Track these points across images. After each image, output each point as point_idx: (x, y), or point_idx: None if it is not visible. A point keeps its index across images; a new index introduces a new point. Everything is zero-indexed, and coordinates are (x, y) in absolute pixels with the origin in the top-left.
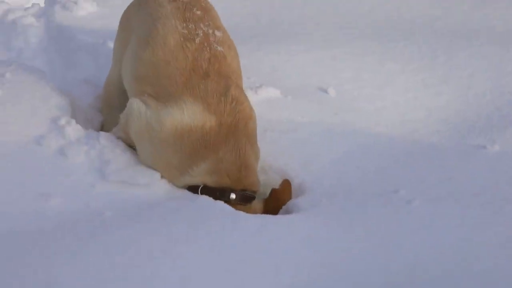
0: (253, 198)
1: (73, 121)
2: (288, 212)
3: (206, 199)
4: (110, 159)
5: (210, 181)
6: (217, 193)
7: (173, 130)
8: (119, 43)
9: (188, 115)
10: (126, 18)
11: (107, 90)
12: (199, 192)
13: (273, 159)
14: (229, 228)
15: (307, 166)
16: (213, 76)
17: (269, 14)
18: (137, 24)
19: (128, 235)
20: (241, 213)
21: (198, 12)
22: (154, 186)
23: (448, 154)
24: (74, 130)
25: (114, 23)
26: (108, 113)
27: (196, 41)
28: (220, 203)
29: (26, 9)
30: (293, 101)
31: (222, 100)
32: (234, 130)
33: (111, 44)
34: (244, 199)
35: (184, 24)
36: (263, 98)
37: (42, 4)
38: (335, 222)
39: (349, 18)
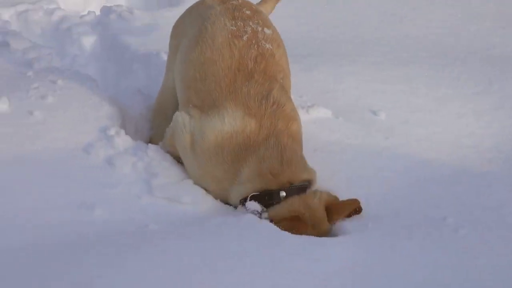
0: (306, 187)
1: (123, 132)
2: (333, 234)
3: (251, 217)
4: (157, 172)
5: (256, 185)
6: (266, 197)
7: (214, 140)
8: (170, 52)
9: (228, 122)
10: (177, 25)
11: (159, 101)
12: (249, 199)
13: (321, 180)
14: (273, 246)
15: (354, 188)
16: (257, 76)
17: (323, 34)
18: (188, 28)
19: (173, 249)
20: (285, 233)
21: (248, 12)
22: (199, 202)
23: (498, 183)
24: (123, 140)
25: (168, 35)
26: (158, 125)
27: (244, 38)
28: (265, 222)
29: (81, 16)
30: (344, 123)
31: (263, 103)
32: (274, 130)
33: (164, 56)
34: (297, 191)
35: (233, 22)
36: (314, 118)
37: (98, 12)
38: (380, 248)
39: (403, 41)
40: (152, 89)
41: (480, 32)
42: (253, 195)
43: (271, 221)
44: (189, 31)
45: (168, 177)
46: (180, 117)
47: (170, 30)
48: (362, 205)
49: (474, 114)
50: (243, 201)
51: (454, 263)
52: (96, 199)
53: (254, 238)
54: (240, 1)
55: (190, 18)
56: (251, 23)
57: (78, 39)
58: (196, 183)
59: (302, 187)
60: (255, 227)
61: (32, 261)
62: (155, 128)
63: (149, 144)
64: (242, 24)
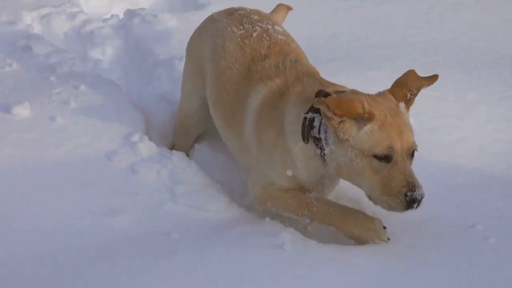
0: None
1: (146, 138)
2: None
3: (273, 225)
4: (181, 179)
5: (300, 111)
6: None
7: (257, 113)
8: (187, 73)
9: (257, 98)
10: (191, 46)
11: (180, 120)
12: (302, 125)
13: (347, 189)
14: (295, 256)
15: None
16: (271, 56)
17: (349, 38)
18: (204, 50)
19: (194, 258)
20: (310, 241)
21: (256, 17)
22: (223, 210)
23: None
24: (146, 147)
25: None
26: (179, 139)
27: (254, 35)
28: (289, 229)
29: (104, 20)
30: None
31: (280, 66)
32: (301, 73)
33: None
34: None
35: (241, 27)
36: None
37: (122, 16)
38: (407, 258)
39: (431, 45)
40: (175, 95)
41: (508, 38)
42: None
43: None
44: (206, 54)
45: (192, 185)
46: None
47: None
48: (388, 212)
49: (503, 120)
50: (304, 119)
51: (482, 272)
52: (119, 206)
53: (276, 249)
54: (248, 10)
55: (202, 41)
56: (259, 24)
57: (101, 43)
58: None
59: (342, 91)
60: (278, 236)
61: (54, 268)
62: (175, 140)
63: (173, 151)
64: (250, 26)
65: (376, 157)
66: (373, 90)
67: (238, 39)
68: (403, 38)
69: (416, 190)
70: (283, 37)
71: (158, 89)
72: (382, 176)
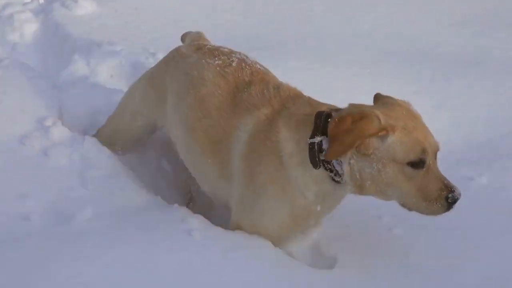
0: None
1: (59, 122)
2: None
3: (182, 211)
4: (92, 164)
5: (299, 138)
6: (317, 121)
7: (248, 148)
8: (139, 94)
9: (246, 131)
10: (156, 76)
11: (109, 129)
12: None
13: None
14: (208, 242)
15: None
16: (255, 83)
17: (269, 29)
18: (168, 83)
19: (102, 242)
20: (219, 228)
21: (225, 49)
22: (133, 197)
23: None
24: (59, 131)
25: (112, 24)
26: (105, 142)
27: (234, 64)
28: (198, 216)
29: (25, 4)
30: None
31: (265, 93)
32: (286, 98)
33: (107, 47)
34: (338, 109)
35: (215, 58)
36: None
37: (42, 0)
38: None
39: (348, 40)
40: (91, 80)
41: (425, 31)
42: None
43: (337, 119)
44: (172, 85)
45: (104, 170)
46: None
47: (115, 19)
48: None
49: None
50: (311, 145)
51: (387, 264)
52: (30, 190)
53: (184, 234)
54: (215, 46)
55: (169, 72)
56: (233, 55)
57: (20, 27)
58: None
59: (338, 108)
60: (185, 221)
61: None
62: (99, 137)
63: (86, 136)
64: (225, 57)
65: (411, 164)
66: (291, 81)
67: (218, 68)
68: (319, 32)
69: (456, 191)
70: (261, 67)
71: (75, 74)
72: (417, 182)
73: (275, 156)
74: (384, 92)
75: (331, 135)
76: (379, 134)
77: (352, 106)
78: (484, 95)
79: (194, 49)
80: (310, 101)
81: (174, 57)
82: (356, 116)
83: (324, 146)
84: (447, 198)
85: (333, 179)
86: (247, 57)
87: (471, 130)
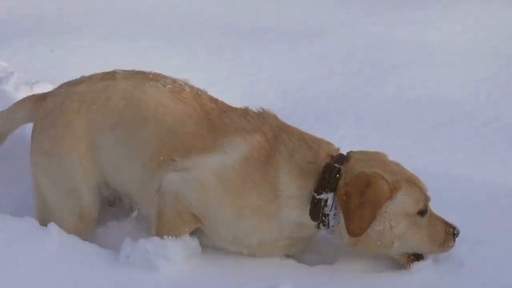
0: (346, 155)
1: None
2: None
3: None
4: None
5: (307, 181)
6: (325, 176)
7: (239, 168)
8: (59, 175)
9: (237, 150)
10: (61, 134)
11: (43, 215)
12: (313, 205)
13: None
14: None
15: None
16: (226, 109)
17: (49, 8)
18: (96, 121)
19: None
20: None
21: (162, 74)
22: None
23: None
24: None
25: None
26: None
27: (187, 90)
28: None
29: None
30: None
31: (249, 119)
32: (277, 127)
33: None
34: (340, 160)
35: (159, 83)
36: None
37: None
38: None
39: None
40: None
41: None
42: (313, 199)
43: (343, 195)
44: (102, 123)
45: None
46: (174, 177)
47: None
48: None
49: (206, 85)
50: (314, 201)
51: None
52: None
53: None
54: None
55: (90, 110)
56: (176, 80)
57: None
58: (227, 226)
59: (343, 156)
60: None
61: None
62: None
63: None
64: (172, 81)
65: (420, 212)
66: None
67: (174, 94)
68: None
69: (455, 225)
70: (205, 93)
71: None
72: (425, 230)
73: (270, 192)
74: (174, 65)
75: (345, 212)
76: (393, 195)
77: (353, 159)
78: (274, 63)
79: (128, 76)
80: (305, 139)
81: (92, 94)
82: (361, 184)
83: (329, 202)
84: (454, 234)
85: (318, 226)
86: (185, 83)
87: (263, 98)
